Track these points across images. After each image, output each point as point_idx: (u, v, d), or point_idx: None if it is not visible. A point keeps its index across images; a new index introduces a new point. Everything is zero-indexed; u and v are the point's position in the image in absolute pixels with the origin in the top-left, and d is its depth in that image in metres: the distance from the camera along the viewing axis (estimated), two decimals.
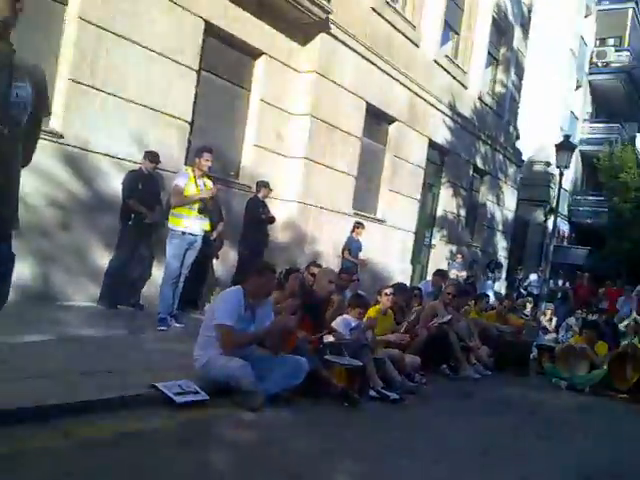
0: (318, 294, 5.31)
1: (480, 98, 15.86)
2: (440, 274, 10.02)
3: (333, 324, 5.65)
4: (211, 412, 3.97)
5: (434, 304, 7.49)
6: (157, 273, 7.29)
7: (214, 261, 8.59)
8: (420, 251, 14.27)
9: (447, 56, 14.11)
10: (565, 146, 14.29)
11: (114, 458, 3.01)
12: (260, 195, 8.98)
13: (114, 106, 7.16)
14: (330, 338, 5.35)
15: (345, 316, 5.87)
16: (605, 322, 13.43)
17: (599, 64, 27.15)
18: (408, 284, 13.14)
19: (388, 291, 6.38)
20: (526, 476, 3.80)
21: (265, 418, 4.03)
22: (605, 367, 7.39)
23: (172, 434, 3.55)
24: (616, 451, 4.82)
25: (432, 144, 13.79)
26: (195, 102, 8.33)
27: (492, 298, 14.84)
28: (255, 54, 9.44)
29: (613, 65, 27.13)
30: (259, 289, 4.41)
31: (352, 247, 10.74)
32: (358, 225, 10.79)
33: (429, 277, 11.06)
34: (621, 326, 12.13)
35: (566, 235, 25.27)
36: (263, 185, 9.02)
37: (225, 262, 8.95)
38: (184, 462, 3.14)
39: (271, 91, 9.66)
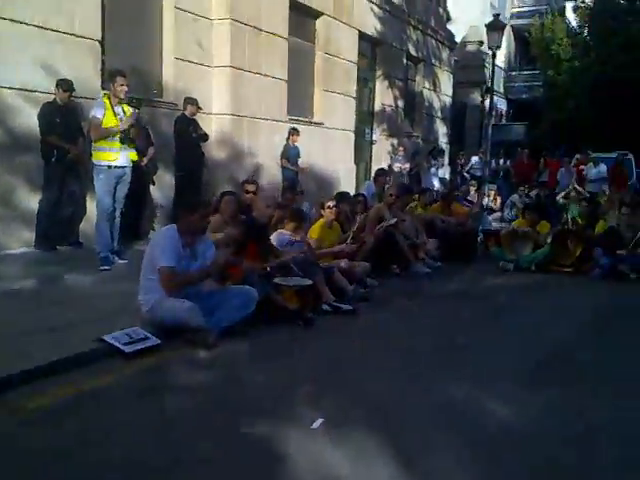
0: (258, 220, 5.16)
1: None
2: (381, 173, 9.96)
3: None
4: (164, 356, 3.91)
5: (378, 207, 7.46)
6: (91, 208, 6.97)
7: (151, 187, 8.30)
8: (362, 149, 14.12)
9: None
10: (495, 26, 13.97)
11: (71, 428, 2.91)
12: (187, 113, 8.55)
13: (14, 33, 6.49)
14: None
15: (280, 231, 5.76)
16: (547, 197, 13.84)
17: None
18: (354, 183, 13.25)
19: (331, 203, 6.28)
20: (480, 368, 3.92)
21: (220, 354, 3.99)
22: (548, 245, 7.65)
23: (129, 387, 3.48)
24: (565, 330, 5.05)
25: (362, 36, 13.27)
26: (103, 17, 7.61)
27: (437, 185, 15.05)
28: None
29: None
30: (193, 227, 4.24)
31: (290, 154, 10.53)
32: (293, 131, 10.52)
33: (374, 173, 10.96)
34: (559, 197, 12.48)
35: (504, 113, 25.43)
36: (189, 102, 8.58)
37: (162, 187, 8.64)
38: (145, 414, 3.09)
39: None
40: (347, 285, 5.67)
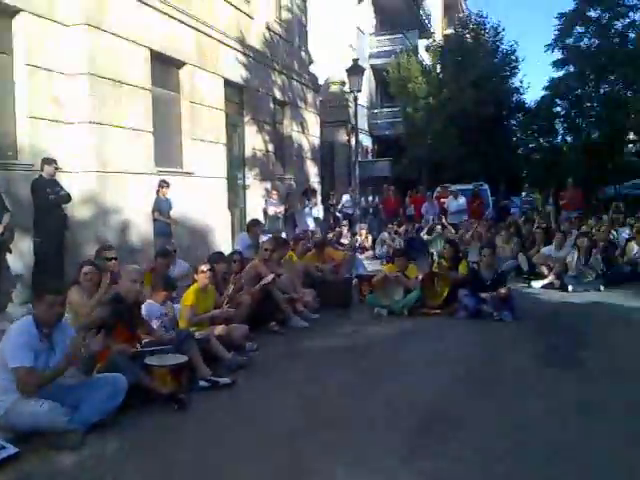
0: (126, 299, 4.92)
1: (268, 27, 15.53)
2: (255, 223, 9.98)
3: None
4: (24, 468, 3.56)
5: (254, 265, 7.44)
6: None
7: (8, 256, 7.71)
8: (236, 194, 14.07)
9: None
10: (355, 70, 14.71)
11: None
12: (45, 173, 8.10)
13: None
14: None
15: (150, 301, 5.55)
16: (411, 239, 14.49)
17: None
18: (229, 231, 13.14)
19: (204, 267, 6.14)
20: (363, 447, 3.94)
21: (88, 456, 3.71)
22: (418, 288, 7.99)
23: None
24: (440, 386, 5.23)
25: (228, 82, 13.34)
26: None
27: (312, 225, 15.34)
28: (11, 12, 8.19)
29: None
30: (44, 316, 3.94)
31: (161, 207, 10.27)
32: (163, 184, 10.29)
33: (247, 224, 10.92)
34: (423, 234, 13.15)
35: (369, 150, 26.53)
36: (47, 162, 8.14)
37: (22, 254, 8.07)
38: None
39: (37, 52, 8.50)
40: (225, 353, 5.55)
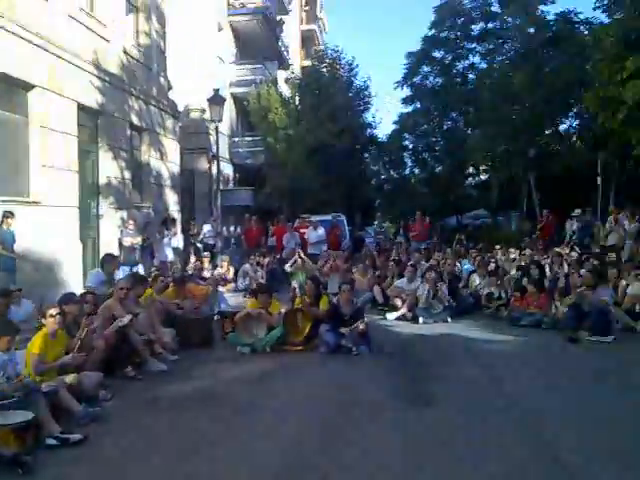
0: None
1: (125, 52, 15.08)
2: (110, 259, 9.52)
3: None
4: None
5: (109, 305, 7.05)
6: None
7: None
8: (88, 224, 13.32)
9: (82, 9, 12.91)
10: (216, 100, 14.69)
11: None
12: None
13: None
14: None
15: None
16: (273, 270, 14.67)
17: (236, 5, 28.16)
18: (80, 263, 12.38)
19: (53, 311, 5.73)
20: None
21: None
22: (280, 325, 8.04)
23: None
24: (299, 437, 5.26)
25: (82, 107, 12.70)
26: None
27: (171, 256, 14.92)
28: None
29: (249, 6, 28.42)
30: None
31: (5, 240, 9.47)
32: (8, 214, 9.52)
33: (101, 259, 10.36)
34: (287, 266, 13.32)
35: (231, 178, 26.47)
36: None
37: None
38: None
39: None
40: (75, 405, 5.19)
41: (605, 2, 13.77)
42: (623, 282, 9.63)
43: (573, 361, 7.55)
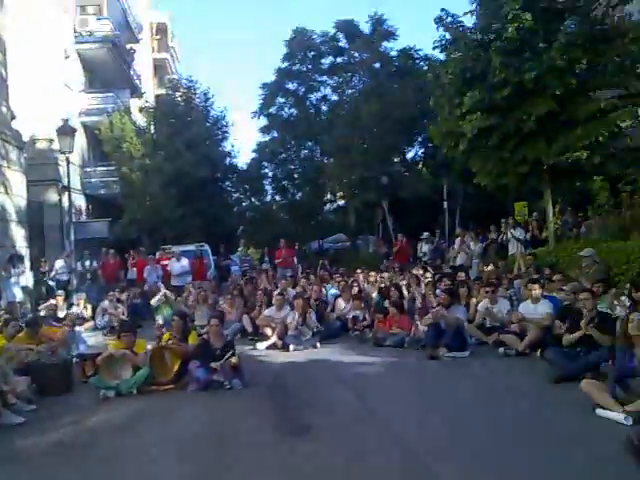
0: None
1: None
2: None
3: None
4: None
5: None
6: None
7: None
8: None
9: None
10: (66, 131, 13.97)
11: None
12: None
13: None
14: None
15: None
16: (135, 305, 14.16)
17: (83, 33, 27.00)
18: None
19: None
20: None
21: None
22: (147, 365, 7.72)
23: None
24: None
25: None
26: None
27: (20, 296, 13.86)
28: None
29: (97, 34, 27.36)
30: None
31: None
32: None
33: None
34: (153, 302, 12.85)
35: (84, 209, 25.11)
36: None
37: None
38: None
39: None
40: None
41: (443, 43, 14.97)
42: (473, 300, 10.45)
43: (431, 377, 8.01)
